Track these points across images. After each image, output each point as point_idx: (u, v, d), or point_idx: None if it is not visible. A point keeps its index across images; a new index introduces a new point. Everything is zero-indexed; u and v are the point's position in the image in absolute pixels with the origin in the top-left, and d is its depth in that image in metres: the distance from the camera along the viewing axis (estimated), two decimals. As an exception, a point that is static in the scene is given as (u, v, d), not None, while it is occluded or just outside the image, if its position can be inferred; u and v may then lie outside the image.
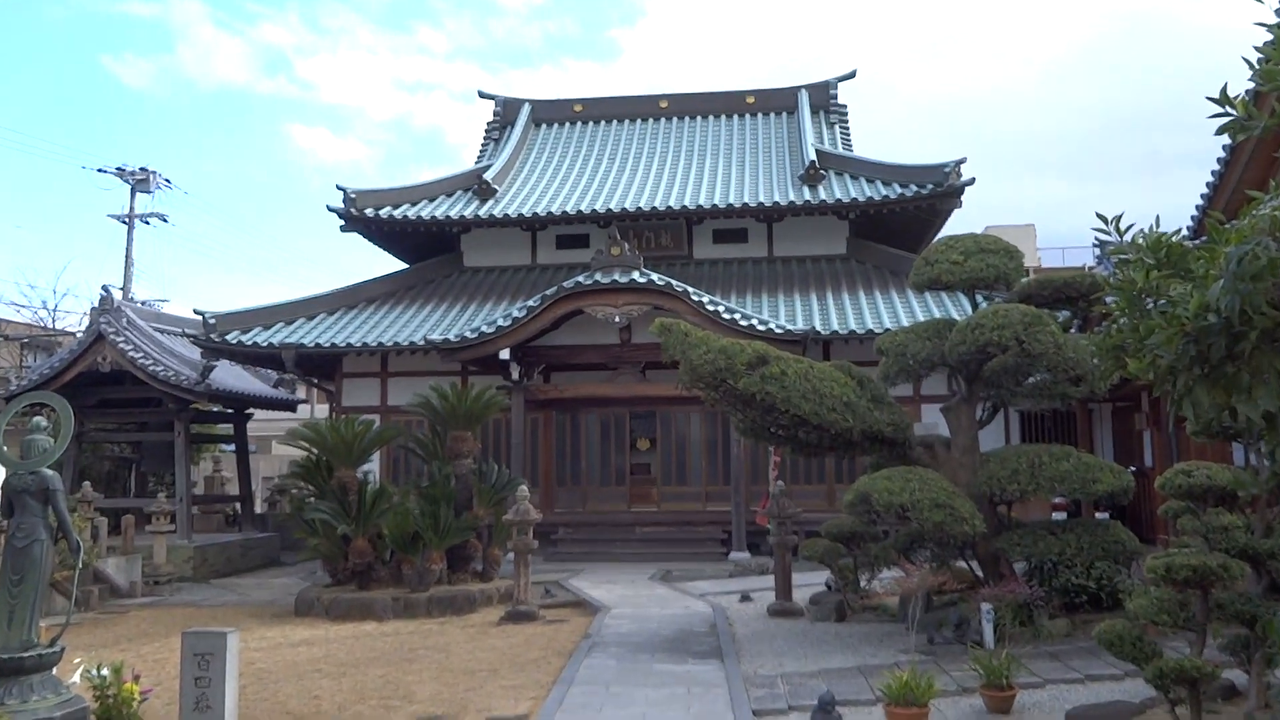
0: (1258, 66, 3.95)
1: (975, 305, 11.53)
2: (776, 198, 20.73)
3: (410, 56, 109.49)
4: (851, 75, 26.90)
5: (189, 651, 6.92)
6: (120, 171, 34.66)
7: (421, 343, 18.74)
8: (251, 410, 22.25)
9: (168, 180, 35.48)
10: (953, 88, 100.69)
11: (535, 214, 21.02)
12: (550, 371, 19.94)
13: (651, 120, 26.67)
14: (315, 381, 22.51)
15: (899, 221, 21.98)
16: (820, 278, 20.93)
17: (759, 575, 16.01)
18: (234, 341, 19.44)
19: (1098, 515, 14.95)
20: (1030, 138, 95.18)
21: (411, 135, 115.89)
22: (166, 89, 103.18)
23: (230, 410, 21.75)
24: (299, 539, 14.93)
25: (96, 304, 19.40)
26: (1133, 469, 15.49)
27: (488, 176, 22.58)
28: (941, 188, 20.01)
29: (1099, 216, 4.75)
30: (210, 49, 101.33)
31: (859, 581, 11.84)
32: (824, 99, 26.17)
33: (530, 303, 17.63)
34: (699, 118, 26.57)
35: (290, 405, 24.00)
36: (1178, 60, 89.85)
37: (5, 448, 7.43)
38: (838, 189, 21.08)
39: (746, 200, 20.66)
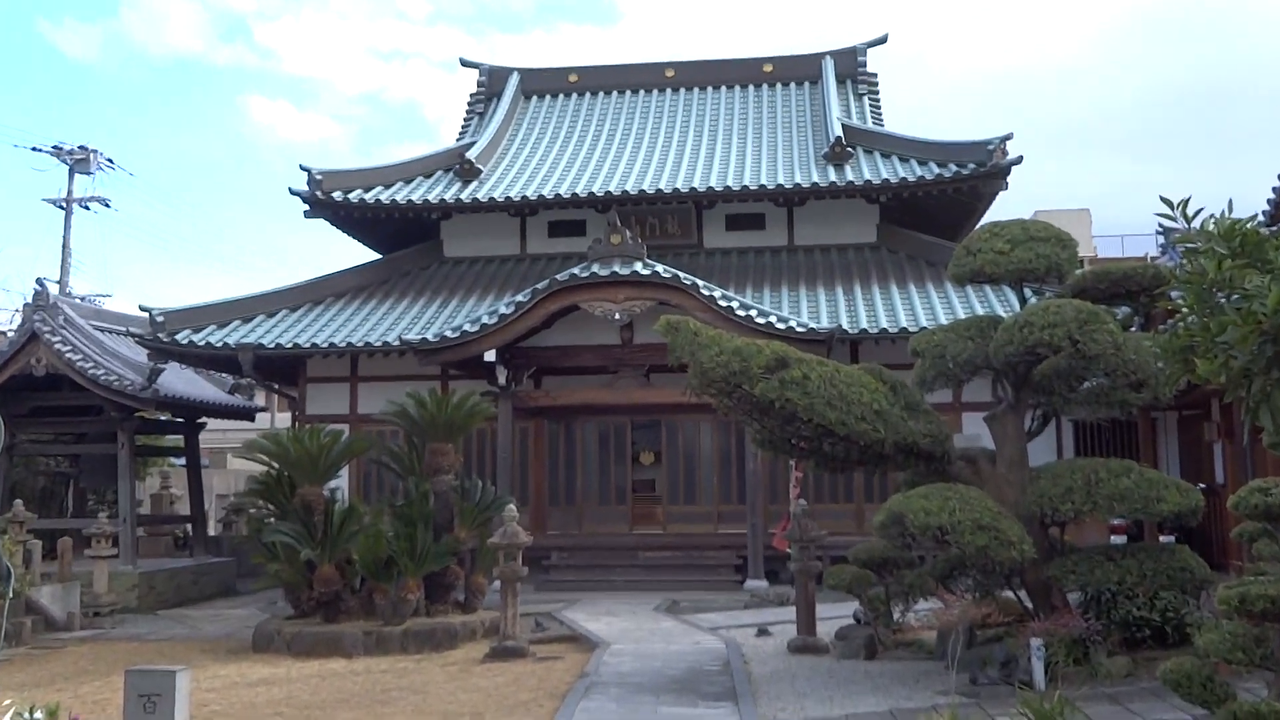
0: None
1: (1023, 300, 11.51)
2: (798, 179, 20.72)
3: (386, 21, 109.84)
4: (883, 40, 26.91)
5: (133, 692, 6.92)
6: (57, 150, 34.77)
7: (396, 343, 18.73)
8: (204, 419, 22.26)
9: (110, 160, 35.60)
10: (997, 55, 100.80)
11: (525, 197, 21.03)
12: (542, 375, 19.92)
13: (656, 92, 26.68)
14: (276, 387, 22.51)
15: (936, 206, 21.96)
16: (847, 269, 20.92)
17: (778, 606, 15.96)
18: (184, 342, 19.45)
19: (1162, 539, 14.90)
20: (1085, 112, 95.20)
21: (386, 110, 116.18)
22: (111, 59, 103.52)
23: (180, 419, 21.75)
24: (257, 565, 14.91)
25: (30, 299, 19.42)
26: (1202, 486, 15.43)
27: (471, 155, 22.60)
28: (984, 167, 20.00)
29: (1163, 200, 4.74)
30: (160, 14, 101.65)
31: (891, 614, 11.81)
32: (851, 67, 26.16)
33: (519, 298, 17.63)
34: (709, 89, 26.58)
35: (248, 414, 24.01)
36: (1254, 25, 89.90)
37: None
38: (867, 169, 21.08)
39: (764, 181, 20.66)
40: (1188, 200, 4.69)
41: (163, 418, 21.83)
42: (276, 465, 14.69)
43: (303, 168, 21.44)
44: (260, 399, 28.30)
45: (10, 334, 22.00)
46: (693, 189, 20.66)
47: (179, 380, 21.17)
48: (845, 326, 17.98)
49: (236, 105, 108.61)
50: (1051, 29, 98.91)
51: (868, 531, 15.04)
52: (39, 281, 19.69)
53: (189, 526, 22.49)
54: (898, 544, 10.56)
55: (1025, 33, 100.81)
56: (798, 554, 12.49)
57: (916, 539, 9.77)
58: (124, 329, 21.24)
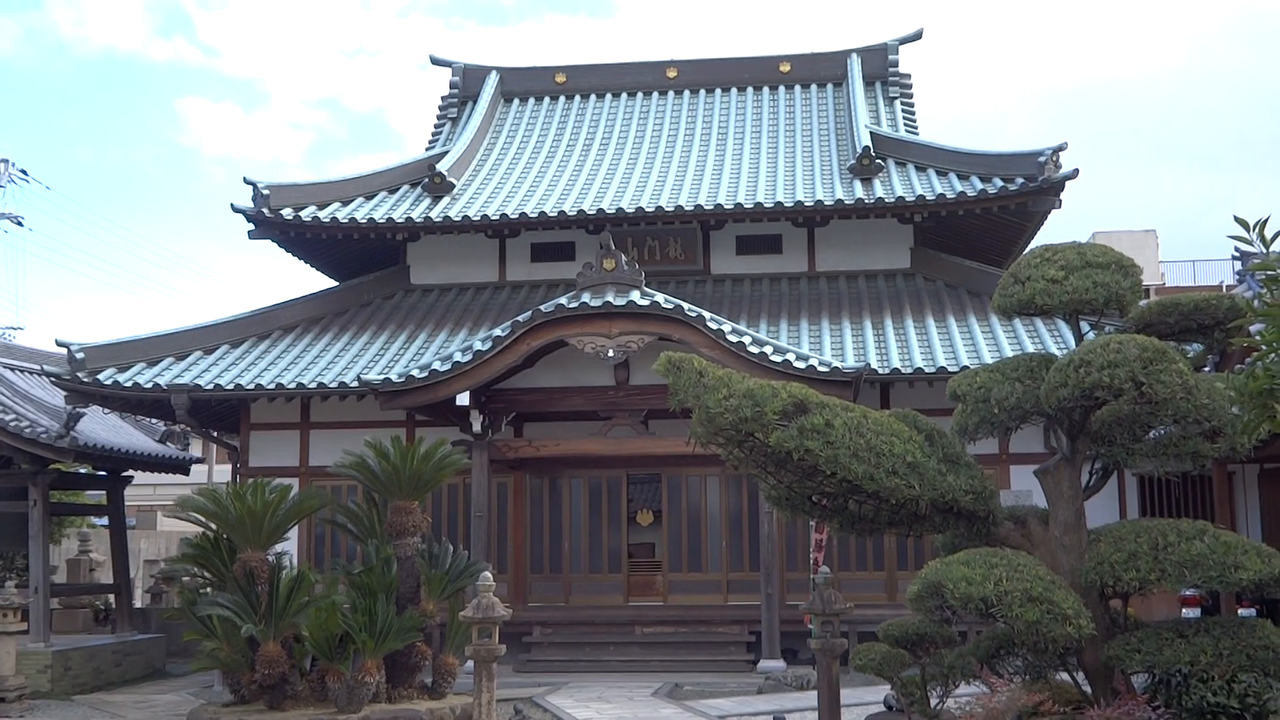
0: None
1: (1079, 336, 11.55)
2: (819, 195, 20.85)
3: (351, 12, 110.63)
4: (917, 36, 27.16)
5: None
6: (-38, 160, 34.91)
7: (354, 384, 18.76)
8: (131, 473, 22.22)
9: (24, 172, 35.90)
10: (1046, 52, 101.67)
11: (504, 215, 21.14)
12: (523, 422, 19.93)
13: (657, 94, 26.90)
14: (215, 435, 22.49)
15: (979, 226, 22.07)
16: (877, 299, 21.01)
17: (797, 691, 15.91)
18: (109, 382, 19.47)
19: (1241, 612, 14.85)
20: (1152, 120, 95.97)
21: (347, 116, 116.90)
22: (31, 56, 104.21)
23: (103, 472, 21.71)
24: (191, 642, 14.84)
25: (-71, 333, 19.46)
26: (1288, 551, 15.47)
27: (442, 167, 22.74)
28: (1035, 182, 20.12)
29: (1238, 221, 4.72)
30: (89, 5, 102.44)
31: (929, 700, 11.77)
32: (881, 67, 26.40)
33: (497, 332, 17.68)
34: (718, 91, 26.80)
35: (182, 466, 23.96)
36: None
37: None
38: (899, 184, 21.22)
39: (780, 198, 20.79)
40: (1266, 221, 4.68)
41: (82, 470, 21.78)
42: (214, 526, 14.64)
43: (248, 181, 21.50)
44: (196, 449, 28.27)
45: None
46: (698, 206, 20.78)
47: (101, 427, 21.14)
48: (874, 365, 18.02)
49: (174, 109, 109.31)
50: (1119, 30, 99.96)
51: (901, 604, 14.99)
52: (-59, 312, 19.72)
53: (111, 597, 22.37)
54: (935, 618, 10.54)
55: (1085, 32, 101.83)
56: (819, 630, 12.44)
57: (957, 612, 9.75)
58: (37, 367, 21.24)
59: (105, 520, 22.76)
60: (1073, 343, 11.72)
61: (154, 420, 22.98)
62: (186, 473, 24.74)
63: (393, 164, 23.66)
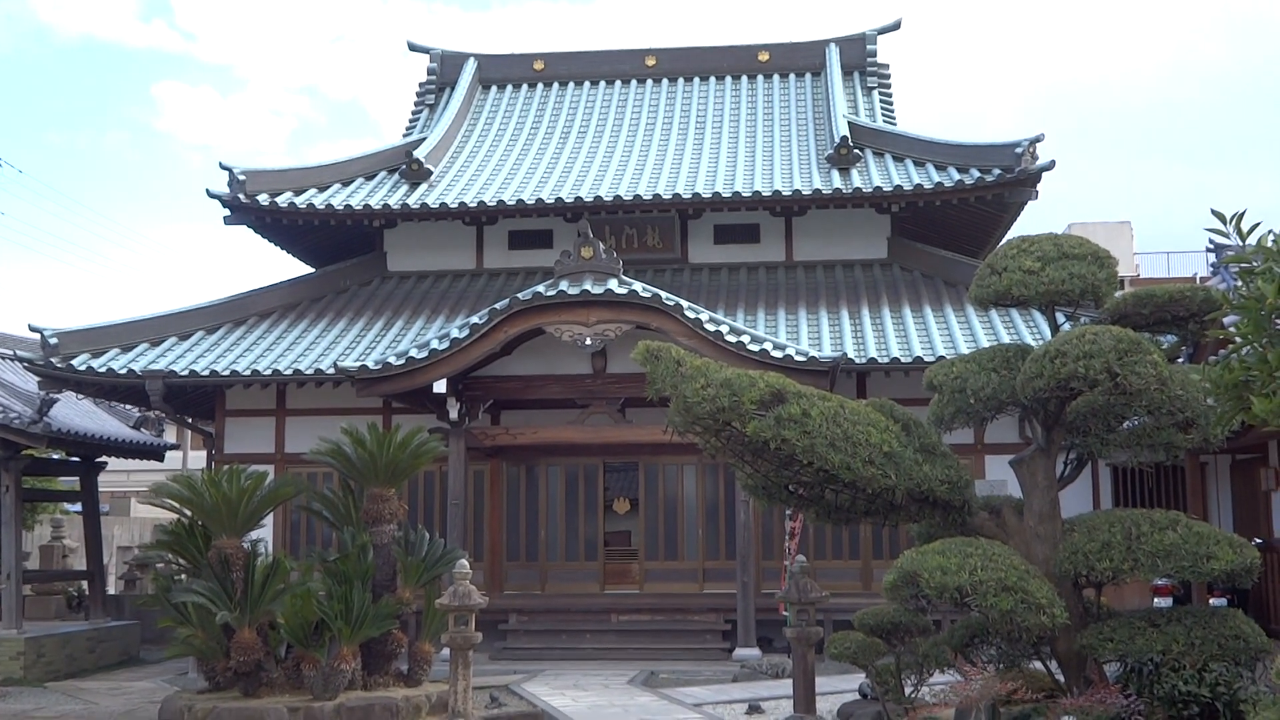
0: None
1: (1055, 327, 11.60)
2: (797, 184, 20.86)
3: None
4: (895, 27, 27.21)
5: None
6: (-65, 143, 34.54)
7: (330, 371, 18.69)
8: (104, 459, 22.09)
9: (-2, 156, 35.45)
10: (1026, 46, 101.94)
11: (481, 203, 21.08)
12: (500, 410, 19.91)
13: (635, 82, 26.86)
14: (189, 421, 22.38)
15: (956, 217, 22.14)
16: (854, 289, 21.06)
17: (772, 679, 15.96)
18: (82, 368, 19.35)
19: (1213, 601, 14.96)
20: (1130, 114, 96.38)
21: (325, 103, 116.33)
22: (8, 41, 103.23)
23: (76, 458, 21.58)
24: (165, 629, 14.76)
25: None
26: (1258, 541, 15.54)
27: (419, 154, 22.66)
28: (1012, 173, 20.20)
29: (1214, 214, 4.74)
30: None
31: (903, 688, 11.82)
32: (859, 57, 26.43)
33: (474, 319, 17.64)
34: (696, 80, 26.78)
35: (156, 452, 23.83)
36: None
37: None
38: (876, 174, 21.25)
39: (758, 187, 20.80)
40: (1242, 214, 4.70)
41: (55, 457, 21.64)
42: (189, 513, 14.57)
43: (223, 166, 21.37)
44: (171, 435, 28.08)
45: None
46: (676, 195, 20.77)
47: (75, 413, 21.01)
48: (851, 355, 18.07)
49: (151, 95, 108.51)
50: (1099, 26, 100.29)
51: (876, 593, 15.04)
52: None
53: (85, 584, 22.26)
54: (910, 607, 10.57)
55: (1065, 28, 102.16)
56: (795, 618, 12.48)
57: (932, 601, 9.79)
58: (10, 352, 21.10)
59: (79, 507, 22.61)
60: (1048, 334, 11.77)
61: (128, 406, 22.84)
62: (161, 459, 24.61)
63: (370, 150, 23.56)
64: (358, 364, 18.07)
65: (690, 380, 9.96)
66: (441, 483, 19.36)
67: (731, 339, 17.00)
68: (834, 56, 25.95)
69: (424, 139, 23.83)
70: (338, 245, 23.17)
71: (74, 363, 19.40)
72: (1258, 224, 4.66)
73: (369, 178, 22.83)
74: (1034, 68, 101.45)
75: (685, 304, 17.40)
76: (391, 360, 17.74)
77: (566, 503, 20.55)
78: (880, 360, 18.10)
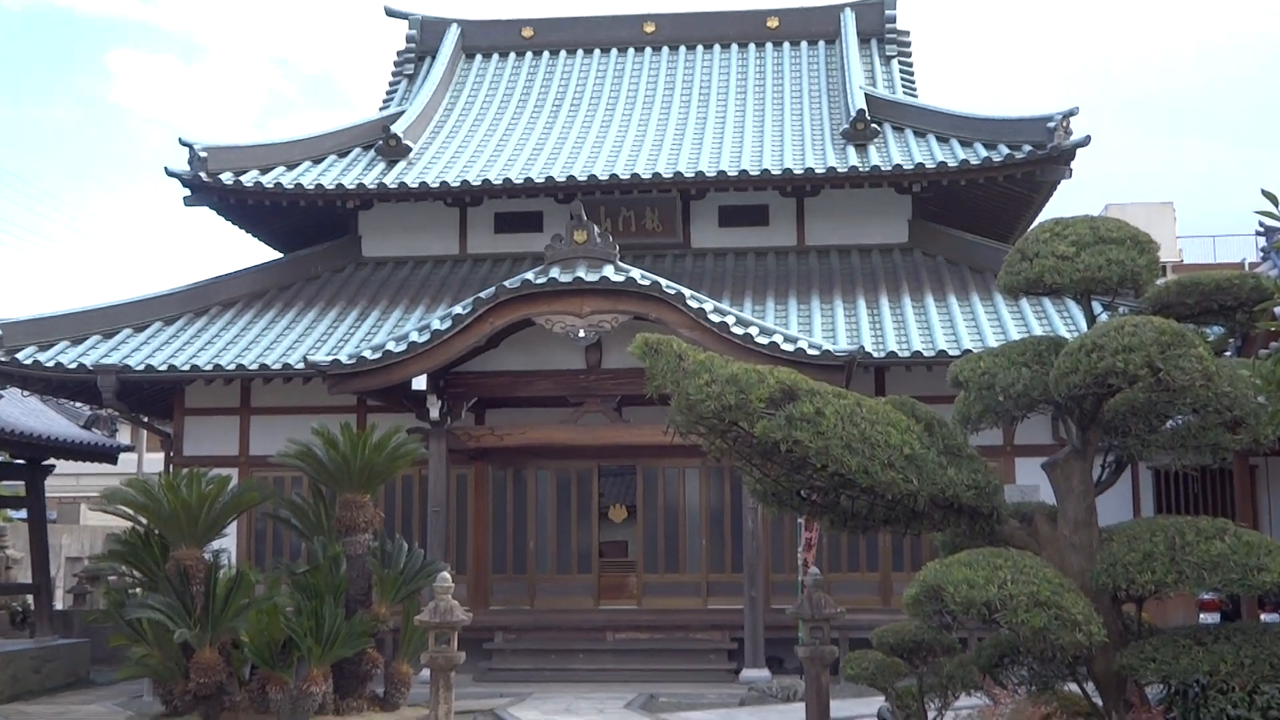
0: None
1: (1091, 318, 11.59)
2: (810, 162, 20.85)
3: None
4: (917, -10, 27.15)
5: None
6: None
7: (300, 366, 18.67)
8: (52, 461, 22.08)
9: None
10: (1058, 17, 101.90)
11: (465, 182, 21.06)
12: (485, 408, 19.89)
13: (633, 51, 26.84)
14: (145, 420, 22.34)
15: (983, 197, 22.12)
16: (872, 276, 21.05)
17: (783, 703, 15.96)
18: (29, 362, 19.33)
19: (1264, 617, 14.95)
20: (1170, 86, 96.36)
21: (297, 74, 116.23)
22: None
23: (21, 461, 21.56)
24: (118, 648, 14.78)
25: None
26: (1314, 552, 15.56)
27: (397, 129, 22.64)
28: (1044, 149, 20.18)
29: (1264, 194, 4.75)
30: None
31: (926, 712, 11.83)
32: (877, 23, 26.44)
33: (457, 310, 17.62)
34: (699, 48, 26.75)
35: (109, 454, 23.83)
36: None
37: None
38: (896, 150, 21.25)
39: (767, 166, 20.78)
40: (1295, 194, 4.71)
41: (-1, 459, 21.65)
42: (144, 521, 14.58)
43: (183, 142, 21.42)
44: (125, 436, 28.07)
45: None
46: (678, 174, 20.75)
47: (20, 411, 21.00)
48: (869, 348, 18.06)
49: (105, 63, 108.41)
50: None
51: (896, 608, 15.04)
52: None
53: (30, 598, 22.25)
54: (934, 624, 10.56)
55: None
56: (808, 636, 12.48)
57: (958, 618, 9.78)
58: (-49, 346, 21.07)
59: (23, 513, 22.60)
60: (1084, 325, 11.75)
61: (79, 404, 22.83)
62: (114, 462, 24.61)
63: (344, 124, 23.57)
64: (330, 358, 18.05)
65: (693, 376, 9.95)
66: (421, 488, 19.34)
67: (738, 331, 16.98)
68: (849, 22, 25.93)
69: (402, 112, 23.80)
70: (308, 228, 23.14)
71: (19, 356, 19.38)
72: (1314, 204, 4.65)
73: (342, 155, 22.80)
74: (1066, 41, 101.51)
75: (688, 293, 17.39)
76: (366, 354, 17.72)
77: (558, 510, 20.53)
78: (900, 354, 18.09)
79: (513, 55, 27.01)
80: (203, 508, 14.33)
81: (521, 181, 20.91)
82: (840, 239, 22.09)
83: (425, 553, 16.05)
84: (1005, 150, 20.47)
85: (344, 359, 17.84)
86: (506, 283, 17.56)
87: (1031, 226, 14.38)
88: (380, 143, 22.50)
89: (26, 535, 22.38)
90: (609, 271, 17.28)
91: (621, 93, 25.41)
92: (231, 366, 19.03)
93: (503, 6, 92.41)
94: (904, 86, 25.27)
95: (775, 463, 10.23)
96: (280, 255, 23.56)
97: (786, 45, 26.51)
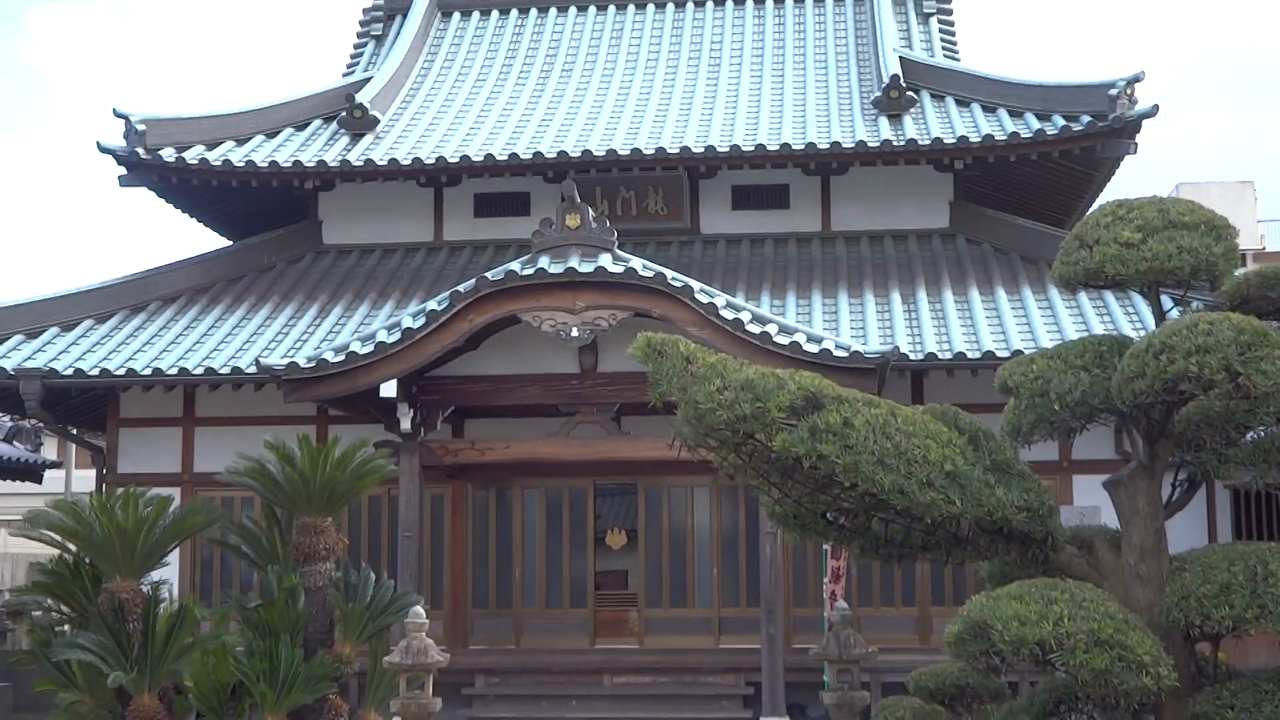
0: None
1: (1161, 314, 11.59)
2: (836, 135, 20.86)
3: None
4: (958, -63, 27.18)
5: None
6: None
7: (251, 370, 18.68)
8: (-32, 480, 22.11)
9: None
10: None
11: (441, 159, 21.07)
12: (464, 419, 19.90)
13: (633, 8, 26.87)
14: (74, 433, 22.35)
15: (1035, 176, 22.13)
16: (908, 266, 21.06)
17: (806, 756, 15.97)
18: (-60, 366, 19.35)
19: (1360, 658, 14.95)
20: (1246, 54, 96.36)
21: (249, 38, 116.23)
22: None
23: (-67, 480, 21.59)
24: (44, 693, 14.78)
25: None
26: None
27: (363, 98, 22.64)
28: (1105, 120, 20.18)
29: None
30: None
31: (971, 767, 11.83)
32: (914, -25, 26.44)
33: (432, 305, 17.62)
34: (709, 4, 26.85)
35: (33, 472, 23.86)
36: None
37: None
38: (935, 122, 21.25)
39: (787, 139, 20.79)
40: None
41: (-93, 477, 21.67)
42: (73, 548, 14.57)
43: (118, 113, 21.42)
44: (51, 450, 28.09)
45: None
46: (685, 149, 20.75)
47: (-68, 422, 21.01)
48: (904, 349, 18.04)
49: (24, 22, 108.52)
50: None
51: (936, 648, 15.01)
52: None
53: (-57, 637, 22.26)
54: (980, 666, 10.57)
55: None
56: (835, 680, 12.49)
57: (1007, 659, 9.77)
58: None
59: (-64, 540, 22.62)
60: (1152, 323, 11.75)
61: (-2, 414, 22.84)
62: (39, 480, 24.66)
63: (302, 94, 23.56)
64: (285, 361, 18.05)
65: (703, 382, 9.95)
66: (391, 510, 19.33)
67: (754, 329, 16.97)
68: (882, -26, 25.94)
69: (369, 79, 23.82)
70: (261, 212, 23.16)
71: (-70, 360, 19.41)
72: None
73: (300, 128, 22.83)
74: (1128, 2, 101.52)
75: (696, 285, 17.37)
76: (328, 356, 17.71)
77: (547, 535, 20.52)
78: (941, 356, 18.09)
79: (495, 13, 27.00)
80: (140, 533, 14.32)
81: (505, 158, 20.90)
82: (871, 223, 22.10)
83: (396, 584, 16.03)
84: (1061, 121, 20.46)
85: (302, 362, 17.83)
86: (489, 274, 17.54)
87: (1091, 209, 14.35)
88: (344, 114, 22.50)
89: (-62, 564, 22.39)
90: (606, 261, 17.26)
91: (620, 56, 25.40)
92: (173, 370, 19.01)
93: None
94: (944, 49, 25.27)
95: (797, 481, 10.23)
96: (229, 243, 23.58)
97: (809, 2, 26.52)
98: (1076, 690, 9.93)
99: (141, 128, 21.23)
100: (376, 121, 22.52)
